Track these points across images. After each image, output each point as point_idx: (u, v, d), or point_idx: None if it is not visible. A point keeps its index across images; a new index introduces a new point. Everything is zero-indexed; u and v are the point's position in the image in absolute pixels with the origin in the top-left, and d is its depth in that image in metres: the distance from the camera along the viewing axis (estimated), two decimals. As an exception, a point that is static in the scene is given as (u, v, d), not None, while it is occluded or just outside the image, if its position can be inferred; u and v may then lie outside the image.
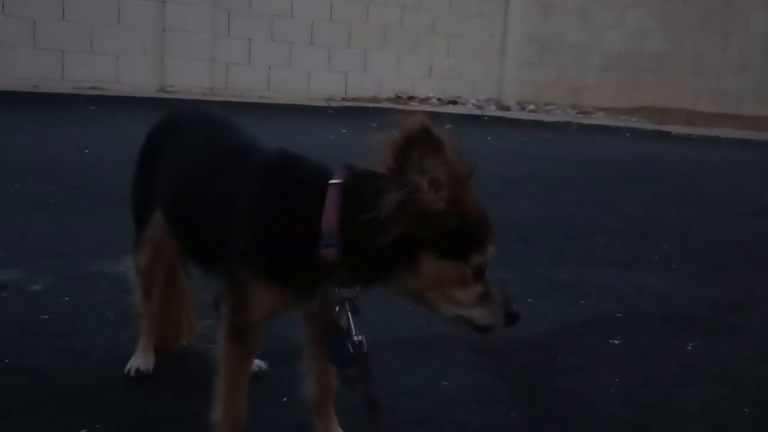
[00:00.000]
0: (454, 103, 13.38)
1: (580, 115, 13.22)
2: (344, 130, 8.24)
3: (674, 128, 11.90)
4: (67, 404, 1.81)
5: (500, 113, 12.70)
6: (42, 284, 2.64)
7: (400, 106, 12.23)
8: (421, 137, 1.30)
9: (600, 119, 12.98)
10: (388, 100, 13.00)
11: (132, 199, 1.99)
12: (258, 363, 1.97)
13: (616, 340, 2.49)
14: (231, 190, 1.50)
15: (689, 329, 2.66)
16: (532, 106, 13.80)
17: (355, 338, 1.48)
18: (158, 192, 1.80)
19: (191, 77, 11.05)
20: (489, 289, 1.46)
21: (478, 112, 12.46)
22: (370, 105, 11.96)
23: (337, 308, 1.48)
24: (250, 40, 11.69)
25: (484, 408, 1.94)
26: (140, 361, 2.00)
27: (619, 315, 2.76)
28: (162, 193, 1.79)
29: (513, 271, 3.25)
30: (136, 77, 10.64)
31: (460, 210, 1.37)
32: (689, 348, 2.47)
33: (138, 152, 1.96)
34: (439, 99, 13.42)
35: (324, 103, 11.50)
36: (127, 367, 1.98)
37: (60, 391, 1.87)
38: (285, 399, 1.86)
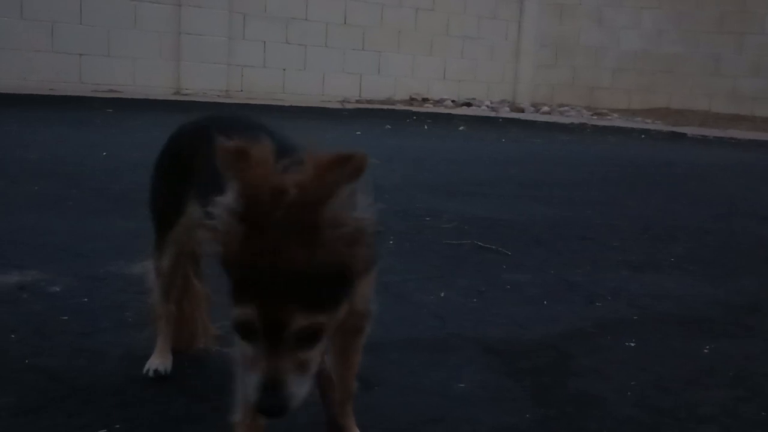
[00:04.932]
0: (468, 104, 13.38)
1: (594, 117, 13.19)
2: (358, 132, 8.26)
3: (689, 130, 11.85)
4: (86, 403, 1.84)
5: (514, 115, 12.71)
6: (61, 285, 2.68)
7: (414, 108, 12.25)
8: None
9: (615, 121, 12.95)
10: (403, 102, 13.02)
11: (155, 200, 2.00)
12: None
13: (631, 342, 2.49)
14: None
15: (704, 332, 2.66)
16: (546, 108, 13.78)
17: None
18: (198, 193, 1.81)
19: (207, 80, 11.14)
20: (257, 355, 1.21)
21: (493, 114, 12.46)
22: (385, 107, 11.99)
23: None
24: (265, 43, 11.76)
25: (497, 408, 1.95)
26: (158, 361, 2.02)
27: (633, 317, 2.76)
28: (202, 192, 1.79)
29: (527, 273, 3.26)
30: (152, 80, 10.74)
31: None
32: (705, 351, 2.46)
33: (162, 155, 1.97)
34: (453, 101, 13.43)
35: (338, 105, 11.54)
36: (146, 367, 2.01)
37: (79, 391, 1.90)
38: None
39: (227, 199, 1.21)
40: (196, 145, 1.87)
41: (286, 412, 1.20)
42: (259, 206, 1.18)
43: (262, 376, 1.18)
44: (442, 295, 2.88)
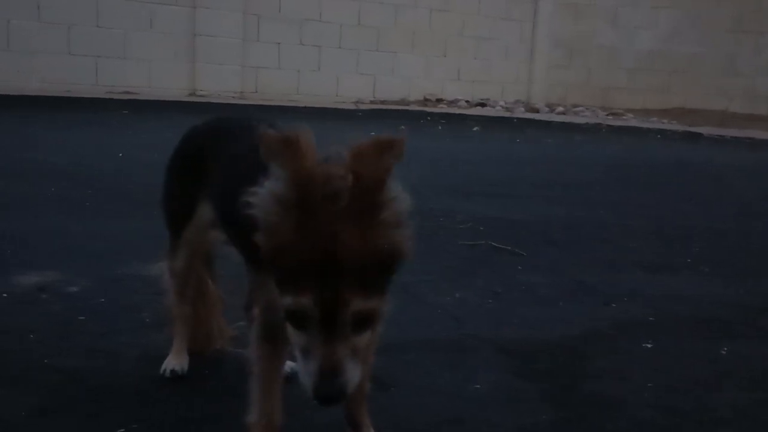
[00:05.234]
0: (483, 105, 13.35)
1: (609, 117, 13.13)
2: (373, 133, 8.25)
3: (706, 130, 11.77)
4: (104, 403, 1.85)
5: (529, 115, 12.67)
6: (79, 286, 2.70)
7: (428, 109, 12.24)
8: None
9: (630, 121, 12.88)
10: (417, 102, 13.01)
11: (167, 202, 2.01)
12: (290, 365, 1.99)
13: (648, 344, 2.48)
14: None
15: (722, 333, 2.64)
16: (561, 108, 13.73)
17: None
18: (210, 193, 1.82)
19: (222, 81, 11.18)
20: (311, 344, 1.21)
21: (507, 115, 12.43)
22: (399, 108, 11.99)
23: None
24: (279, 44, 11.78)
25: (514, 410, 1.94)
26: (175, 362, 2.03)
27: (650, 319, 2.75)
28: (215, 193, 1.79)
29: (542, 274, 3.25)
30: (167, 81, 10.79)
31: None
32: (723, 352, 2.44)
33: (174, 157, 1.99)
34: (467, 101, 13.40)
35: (352, 106, 11.54)
36: (163, 367, 2.02)
37: (97, 391, 1.91)
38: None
39: (272, 188, 1.21)
40: (207, 146, 1.88)
41: (344, 398, 1.21)
42: (312, 193, 1.17)
43: (319, 363, 1.18)
44: (458, 295, 2.88)
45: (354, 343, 1.21)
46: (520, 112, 12.92)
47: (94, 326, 2.34)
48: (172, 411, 1.83)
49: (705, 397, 2.09)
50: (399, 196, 1.23)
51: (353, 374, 1.20)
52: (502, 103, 13.73)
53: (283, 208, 1.20)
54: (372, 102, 12.49)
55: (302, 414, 1.81)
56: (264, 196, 1.22)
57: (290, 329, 1.24)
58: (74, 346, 2.18)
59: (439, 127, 10.25)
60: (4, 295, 2.56)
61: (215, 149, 1.83)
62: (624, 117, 13.33)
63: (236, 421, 1.59)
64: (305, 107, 10.53)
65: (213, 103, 9.98)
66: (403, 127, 9.62)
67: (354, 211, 1.18)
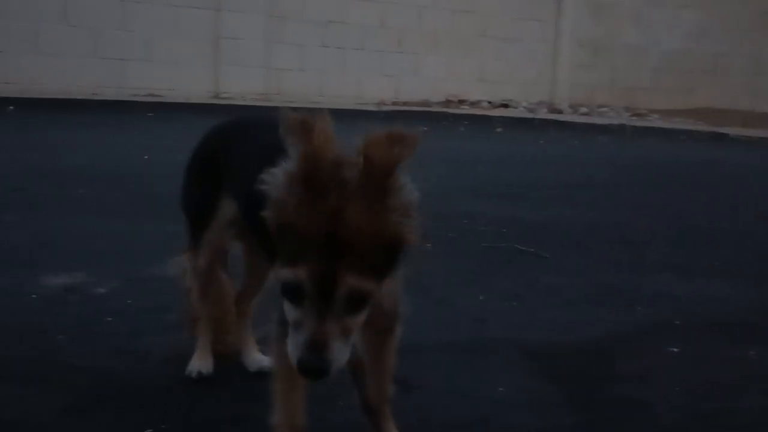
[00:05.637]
0: (506, 106, 13.29)
1: (634, 118, 13.01)
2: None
3: (732, 130, 11.62)
4: (132, 404, 1.87)
5: (552, 116, 12.59)
6: (106, 287, 2.73)
7: (450, 110, 12.21)
8: None
9: (655, 122, 12.76)
10: (439, 103, 12.98)
11: (188, 201, 2.02)
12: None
13: (675, 347, 2.46)
14: None
15: (750, 337, 2.61)
16: (584, 109, 13.63)
17: None
18: (232, 192, 1.83)
19: (245, 83, 11.23)
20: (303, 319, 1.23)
21: (530, 116, 12.36)
22: (421, 109, 11.97)
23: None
24: (302, 46, 11.82)
25: (539, 413, 1.94)
26: (200, 363, 2.04)
27: (677, 322, 2.72)
28: (236, 191, 1.81)
29: (566, 277, 3.23)
30: (192, 84, 10.86)
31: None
32: (751, 356, 2.42)
33: (193, 158, 2.00)
34: (489, 102, 13.36)
35: (375, 108, 11.54)
36: (188, 368, 2.03)
37: (125, 391, 1.94)
38: (341, 402, 1.88)
39: (286, 166, 1.25)
40: (225, 144, 1.89)
41: (327, 374, 1.23)
42: (321, 171, 1.21)
43: (307, 337, 1.21)
44: (481, 298, 2.87)
45: (346, 323, 1.23)
46: (544, 113, 12.85)
47: (122, 327, 2.37)
48: (199, 411, 1.85)
49: (731, 401, 2.07)
50: (407, 186, 1.26)
51: (341, 353, 1.22)
52: (525, 104, 13.67)
53: (292, 184, 1.23)
54: (395, 103, 12.48)
55: (327, 415, 1.82)
56: (278, 173, 1.26)
57: (286, 304, 1.26)
58: (102, 346, 2.21)
59: (462, 129, 10.23)
60: (33, 296, 2.60)
61: (234, 146, 1.85)
62: (648, 117, 13.21)
63: (262, 421, 1.60)
64: (328, 108, 10.56)
65: (237, 105, 10.04)
66: (425, 128, 9.62)
67: (360, 193, 1.21)
